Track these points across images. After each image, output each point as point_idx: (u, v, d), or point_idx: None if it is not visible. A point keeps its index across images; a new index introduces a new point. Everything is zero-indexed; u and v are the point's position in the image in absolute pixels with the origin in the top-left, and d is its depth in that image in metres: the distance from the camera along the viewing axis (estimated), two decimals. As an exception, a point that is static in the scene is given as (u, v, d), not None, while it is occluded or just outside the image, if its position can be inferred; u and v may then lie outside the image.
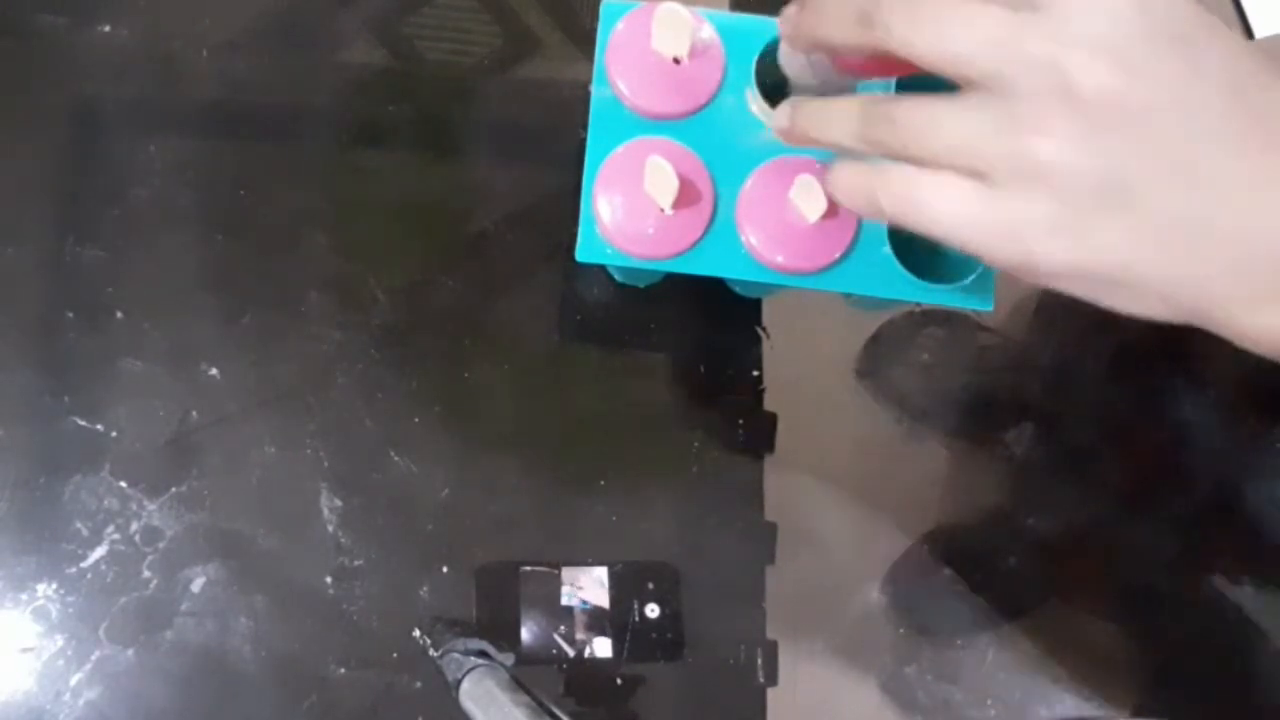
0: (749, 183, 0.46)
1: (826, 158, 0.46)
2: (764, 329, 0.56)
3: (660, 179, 0.44)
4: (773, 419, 0.55)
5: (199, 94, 0.56)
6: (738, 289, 0.55)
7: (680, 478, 0.54)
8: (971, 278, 0.46)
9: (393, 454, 0.53)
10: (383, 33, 0.57)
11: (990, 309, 0.46)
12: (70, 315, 0.53)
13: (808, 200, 0.44)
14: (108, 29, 0.56)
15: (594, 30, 0.47)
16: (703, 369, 0.56)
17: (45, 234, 0.54)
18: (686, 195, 0.46)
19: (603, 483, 0.54)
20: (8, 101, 0.55)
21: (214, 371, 0.53)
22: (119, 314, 0.53)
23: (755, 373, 0.56)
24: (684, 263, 0.46)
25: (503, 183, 0.56)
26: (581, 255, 0.46)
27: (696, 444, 0.55)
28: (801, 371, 0.56)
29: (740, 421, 0.55)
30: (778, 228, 0.46)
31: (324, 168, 0.56)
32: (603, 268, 0.56)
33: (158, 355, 0.53)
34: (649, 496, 0.54)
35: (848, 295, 0.55)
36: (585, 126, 0.47)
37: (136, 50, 0.56)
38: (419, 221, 0.56)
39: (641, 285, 0.56)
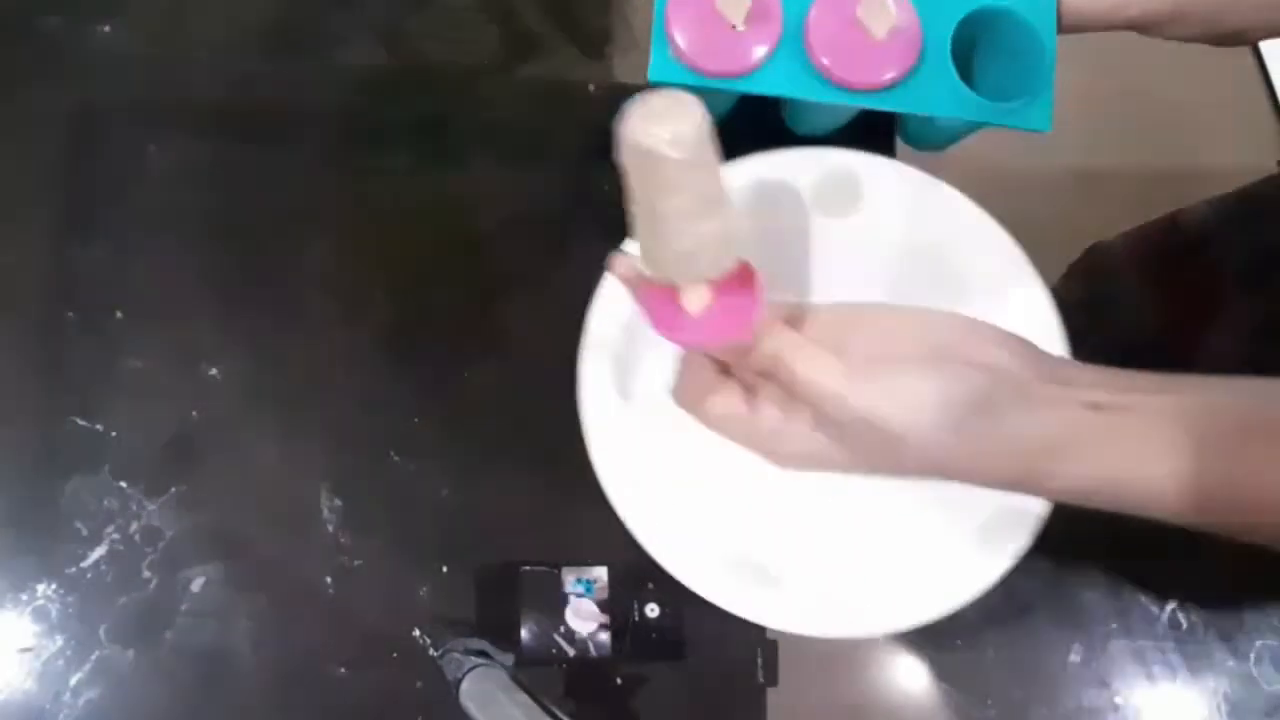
0: (816, 2, 0.47)
1: None
2: (764, 329, 0.56)
3: None
4: (773, 419, 0.55)
5: (199, 94, 0.56)
6: (798, 127, 0.55)
7: (680, 478, 0.54)
8: (1029, 99, 0.47)
9: (393, 454, 0.53)
10: (383, 33, 0.57)
11: (1049, 129, 0.47)
12: (70, 315, 0.53)
13: (875, 16, 0.46)
14: (108, 29, 0.56)
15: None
16: (703, 369, 0.56)
17: (45, 234, 0.54)
18: (757, 11, 0.46)
19: (603, 483, 0.54)
20: (8, 101, 0.55)
21: (214, 371, 0.53)
22: (119, 314, 0.53)
23: (755, 373, 0.56)
24: (754, 81, 0.47)
25: (503, 183, 0.56)
26: (654, 74, 0.47)
27: (696, 444, 0.55)
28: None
29: (740, 421, 0.55)
30: (845, 46, 0.47)
31: (324, 168, 0.56)
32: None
33: (158, 355, 0.53)
34: (649, 496, 0.54)
35: (905, 131, 0.56)
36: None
37: (136, 50, 0.56)
38: (419, 222, 0.56)
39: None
